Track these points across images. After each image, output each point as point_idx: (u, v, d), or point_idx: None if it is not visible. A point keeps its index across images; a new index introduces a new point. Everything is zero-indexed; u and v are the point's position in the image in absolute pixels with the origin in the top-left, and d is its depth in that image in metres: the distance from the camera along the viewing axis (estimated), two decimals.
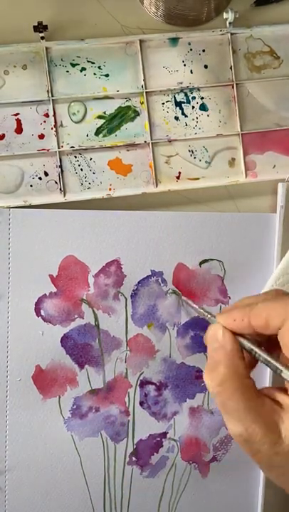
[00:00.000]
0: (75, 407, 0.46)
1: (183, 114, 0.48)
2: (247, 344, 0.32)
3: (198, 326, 0.47)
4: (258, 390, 0.31)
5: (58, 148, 0.47)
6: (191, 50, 0.48)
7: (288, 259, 0.46)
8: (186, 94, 0.48)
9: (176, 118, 0.48)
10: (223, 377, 0.31)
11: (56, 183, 0.47)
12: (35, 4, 0.47)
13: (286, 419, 0.29)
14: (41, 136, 0.47)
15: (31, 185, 0.47)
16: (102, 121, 0.48)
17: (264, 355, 0.32)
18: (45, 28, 0.45)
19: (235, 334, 0.33)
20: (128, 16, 0.48)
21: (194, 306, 0.44)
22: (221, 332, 0.33)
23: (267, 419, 0.29)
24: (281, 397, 0.30)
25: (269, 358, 0.31)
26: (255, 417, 0.29)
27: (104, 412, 0.46)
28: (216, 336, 0.33)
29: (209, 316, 0.40)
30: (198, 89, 0.48)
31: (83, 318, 0.46)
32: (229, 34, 0.48)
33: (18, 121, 0.47)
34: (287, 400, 0.30)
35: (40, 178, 0.47)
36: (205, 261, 0.48)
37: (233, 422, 0.30)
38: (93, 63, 0.47)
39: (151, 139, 0.48)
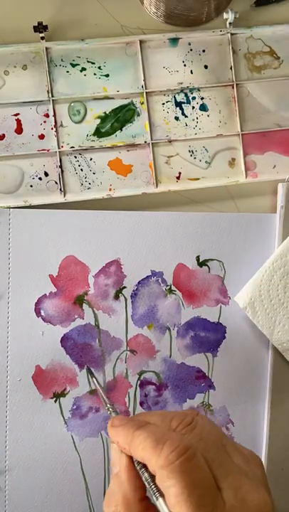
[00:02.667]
0: (75, 407, 0.46)
1: (183, 114, 0.48)
2: (144, 477, 0.30)
3: (199, 326, 0.47)
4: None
5: (58, 148, 0.47)
6: (191, 50, 0.48)
7: (286, 244, 0.47)
8: (186, 95, 0.48)
9: (177, 118, 0.48)
10: (117, 507, 0.30)
11: (56, 183, 0.47)
12: (36, 4, 0.47)
13: None
14: (41, 137, 0.47)
15: (31, 186, 0.47)
16: (102, 121, 0.48)
17: (155, 498, 0.29)
18: (45, 28, 0.45)
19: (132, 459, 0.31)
20: (128, 16, 0.48)
21: (104, 397, 0.41)
22: (118, 456, 0.32)
23: None
24: None
25: (159, 503, 0.29)
26: None
27: (105, 412, 0.46)
28: (114, 459, 0.32)
29: (110, 412, 0.38)
30: (199, 90, 0.48)
31: (83, 319, 0.46)
32: (229, 34, 0.48)
33: (18, 122, 0.47)
34: None
35: (40, 179, 0.47)
36: (205, 261, 0.48)
37: None
38: (93, 63, 0.47)
39: (152, 139, 0.48)
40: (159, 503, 0.28)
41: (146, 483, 0.30)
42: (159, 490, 0.28)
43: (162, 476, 0.27)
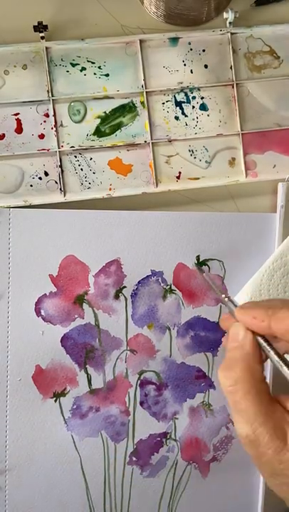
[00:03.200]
0: (75, 407, 0.46)
1: (183, 113, 0.48)
2: (267, 349, 0.32)
3: (199, 326, 0.47)
4: (271, 396, 0.31)
5: (58, 148, 0.47)
6: (191, 49, 0.48)
7: (286, 244, 0.46)
8: (186, 94, 0.48)
9: (177, 118, 0.48)
10: (238, 378, 0.31)
11: (56, 182, 0.47)
12: (36, 4, 0.47)
13: None
14: (41, 136, 0.47)
15: (31, 185, 0.47)
16: (102, 121, 0.48)
17: (281, 364, 0.31)
18: (45, 27, 0.45)
19: (256, 335, 0.32)
20: (128, 16, 0.48)
21: (214, 287, 0.41)
22: (243, 333, 0.32)
23: (276, 425, 0.29)
24: None
25: (286, 368, 0.31)
26: (265, 420, 0.29)
27: (105, 412, 0.46)
28: (237, 335, 0.33)
29: (228, 302, 0.38)
30: (199, 89, 0.48)
31: (83, 318, 0.46)
32: (229, 34, 0.48)
33: (18, 121, 0.47)
34: None
35: (40, 178, 0.47)
36: (205, 261, 0.48)
37: (242, 422, 0.30)
38: (93, 63, 0.47)
39: (152, 139, 0.48)
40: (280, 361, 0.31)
41: (274, 357, 0.31)
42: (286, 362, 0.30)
43: None
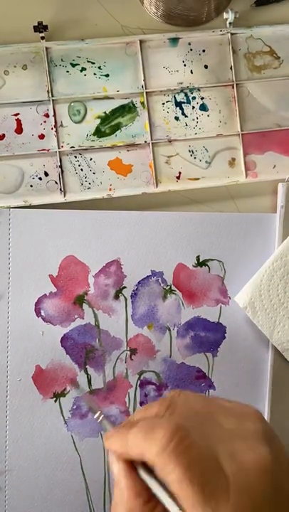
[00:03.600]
0: (75, 407, 0.46)
1: (183, 114, 0.48)
2: (145, 478, 0.29)
3: (199, 326, 0.47)
4: None
5: (58, 148, 0.47)
6: (191, 50, 0.48)
7: (286, 244, 0.47)
8: (186, 95, 0.48)
9: (177, 118, 0.48)
10: None
11: (56, 183, 0.47)
12: (36, 4, 0.47)
13: None
14: (41, 136, 0.47)
15: (31, 186, 0.47)
16: (102, 121, 0.48)
17: (159, 493, 0.28)
18: (45, 28, 0.45)
19: (132, 465, 0.29)
20: (128, 16, 0.48)
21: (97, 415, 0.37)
22: (116, 467, 0.30)
23: None
24: None
25: (163, 497, 0.27)
26: None
27: (105, 412, 0.46)
28: (112, 470, 0.30)
29: (103, 422, 0.35)
30: (199, 90, 0.48)
31: (83, 319, 0.46)
32: (229, 34, 0.48)
33: (18, 122, 0.47)
34: None
35: (40, 178, 0.47)
36: (205, 261, 0.48)
37: None
38: (93, 63, 0.47)
39: (152, 139, 0.48)
40: (162, 495, 0.27)
41: (147, 482, 0.29)
42: (160, 482, 0.28)
43: (161, 465, 0.27)
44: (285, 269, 0.46)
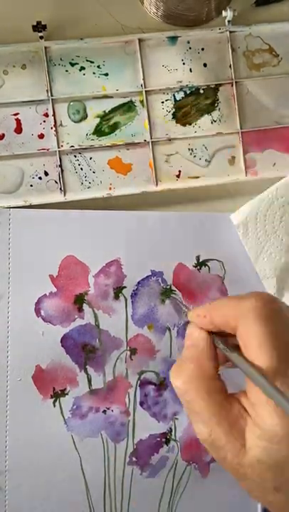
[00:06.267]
0: (75, 407, 0.46)
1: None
2: (221, 345, 0.30)
3: None
4: (228, 393, 0.29)
5: (58, 147, 0.47)
6: (190, 48, 0.48)
7: None
8: (185, 93, 0.48)
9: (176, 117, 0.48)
10: (189, 376, 0.29)
11: (56, 182, 0.47)
12: (34, 4, 0.47)
13: (252, 428, 0.26)
14: (41, 136, 0.47)
15: (31, 185, 0.47)
16: (101, 120, 0.47)
17: (237, 360, 0.28)
18: (44, 27, 0.45)
19: (212, 333, 0.31)
20: (128, 16, 0.48)
21: (180, 303, 0.42)
22: (196, 332, 0.31)
23: (231, 425, 0.27)
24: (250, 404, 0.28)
25: (241, 364, 0.28)
26: (219, 420, 0.27)
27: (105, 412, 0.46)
28: (191, 334, 0.31)
29: (185, 311, 0.38)
30: (198, 88, 0.48)
31: (83, 319, 0.46)
32: (228, 32, 0.48)
33: (18, 121, 0.47)
34: (258, 409, 0.26)
35: (40, 178, 0.47)
36: (205, 261, 0.47)
37: (198, 424, 0.28)
38: (92, 62, 0.47)
39: (151, 138, 0.48)
40: (235, 356, 0.28)
41: (224, 351, 0.29)
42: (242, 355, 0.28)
43: (246, 325, 0.27)
44: (286, 198, 0.46)
